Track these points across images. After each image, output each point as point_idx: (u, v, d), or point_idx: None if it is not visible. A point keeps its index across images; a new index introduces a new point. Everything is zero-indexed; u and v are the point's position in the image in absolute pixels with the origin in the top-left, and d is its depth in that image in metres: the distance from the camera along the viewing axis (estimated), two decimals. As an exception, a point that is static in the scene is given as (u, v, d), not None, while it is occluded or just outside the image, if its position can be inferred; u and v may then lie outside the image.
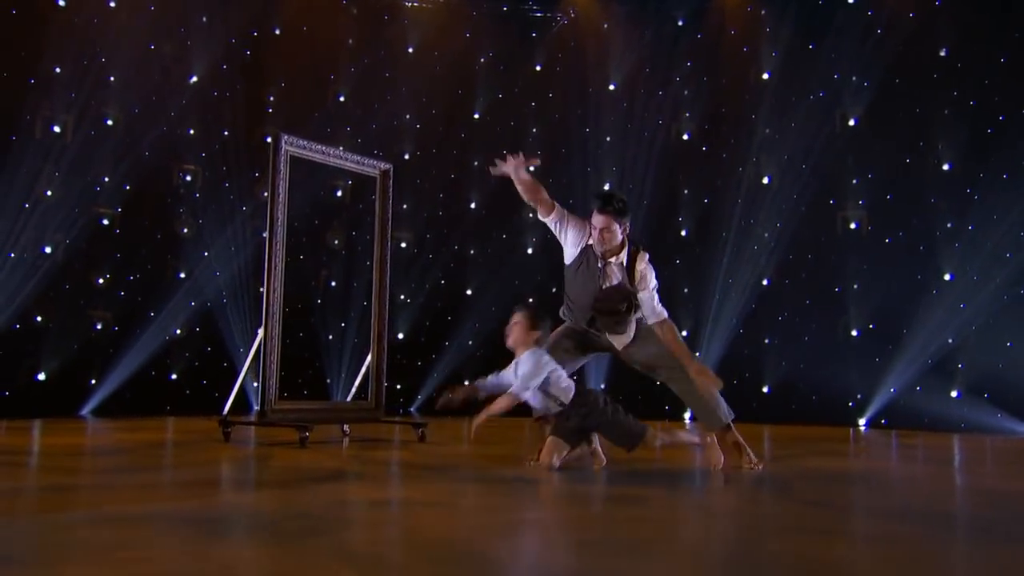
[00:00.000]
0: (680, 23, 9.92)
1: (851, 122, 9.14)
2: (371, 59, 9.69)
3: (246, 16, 8.77)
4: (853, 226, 9.15)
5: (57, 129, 7.35)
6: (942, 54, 8.69)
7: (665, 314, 3.80)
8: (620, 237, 3.79)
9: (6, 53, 7.16)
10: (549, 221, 3.93)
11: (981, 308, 8.05)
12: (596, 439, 3.84)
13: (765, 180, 9.42)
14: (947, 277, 8.35)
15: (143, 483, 3.19)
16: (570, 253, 3.90)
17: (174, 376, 8.09)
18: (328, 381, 8.72)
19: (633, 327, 3.85)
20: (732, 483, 3.50)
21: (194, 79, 8.35)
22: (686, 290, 9.49)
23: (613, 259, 3.80)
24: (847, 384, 8.51)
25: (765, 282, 9.19)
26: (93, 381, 7.48)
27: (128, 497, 2.74)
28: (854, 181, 9.16)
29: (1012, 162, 8.09)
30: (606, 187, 9.57)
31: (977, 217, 8.23)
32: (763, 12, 9.61)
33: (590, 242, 3.81)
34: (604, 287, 3.77)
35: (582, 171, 9.88)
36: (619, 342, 3.88)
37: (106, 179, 7.69)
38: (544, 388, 3.62)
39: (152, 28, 8.11)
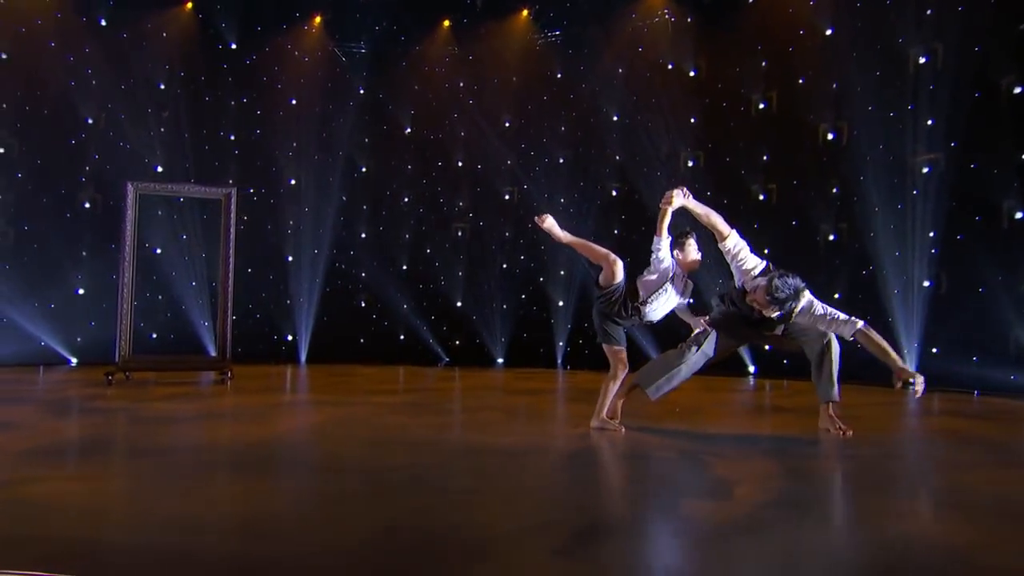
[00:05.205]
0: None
1: (922, 60, 8.58)
2: (536, 92, 11.96)
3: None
4: (925, 170, 8.65)
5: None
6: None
7: (858, 324, 4.30)
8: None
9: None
10: (726, 245, 4.46)
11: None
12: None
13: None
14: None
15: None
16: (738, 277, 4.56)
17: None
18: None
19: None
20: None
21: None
22: (767, 250, 9.65)
23: None
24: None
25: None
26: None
27: None
28: (929, 122, 8.48)
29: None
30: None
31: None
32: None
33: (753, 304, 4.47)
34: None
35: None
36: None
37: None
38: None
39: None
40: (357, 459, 4.20)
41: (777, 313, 4.32)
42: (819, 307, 4.37)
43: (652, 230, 11.21)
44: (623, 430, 4.87)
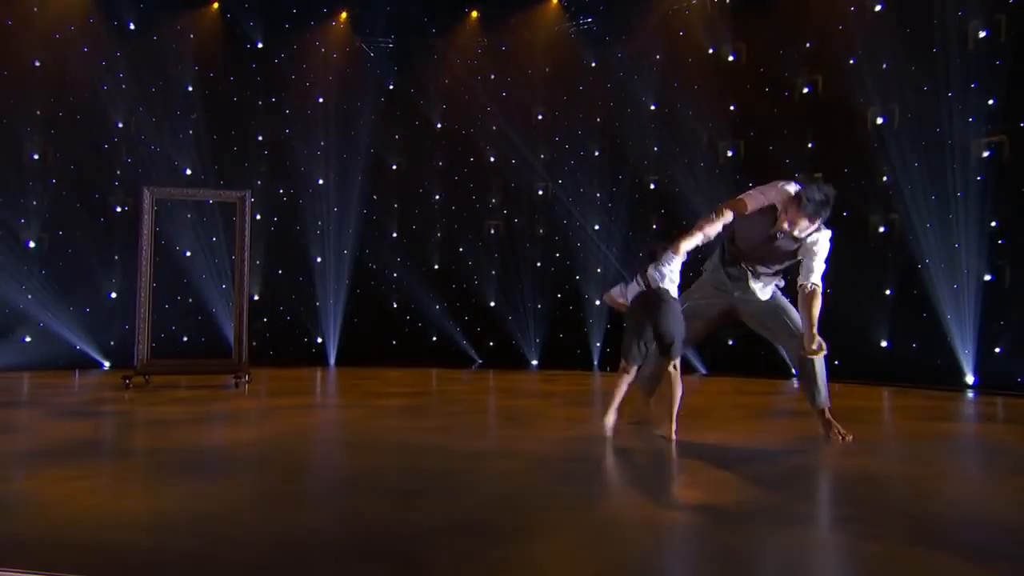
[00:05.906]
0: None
1: (982, 33, 7.95)
2: (566, 82, 11.52)
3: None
4: (987, 154, 7.98)
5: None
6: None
7: (818, 283, 4.13)
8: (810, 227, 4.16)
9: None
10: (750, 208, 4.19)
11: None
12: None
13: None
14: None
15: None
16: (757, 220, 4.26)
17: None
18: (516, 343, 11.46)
19: (772, 287, 4.47)
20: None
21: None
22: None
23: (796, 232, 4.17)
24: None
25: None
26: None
27: None
28: (991, 102, 7.82)
29: None
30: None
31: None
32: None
33: (783, 226, 4.16)
34: (777, 245, 4.24)
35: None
36: (760, 294, 4.46)
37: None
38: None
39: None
40: (319, 461, 4.13)
41: (809, 228, 4.10)
42: (824, 249, 4.16)
43: (692, 223, 10.71)
44: (612, 432, 4.55)
